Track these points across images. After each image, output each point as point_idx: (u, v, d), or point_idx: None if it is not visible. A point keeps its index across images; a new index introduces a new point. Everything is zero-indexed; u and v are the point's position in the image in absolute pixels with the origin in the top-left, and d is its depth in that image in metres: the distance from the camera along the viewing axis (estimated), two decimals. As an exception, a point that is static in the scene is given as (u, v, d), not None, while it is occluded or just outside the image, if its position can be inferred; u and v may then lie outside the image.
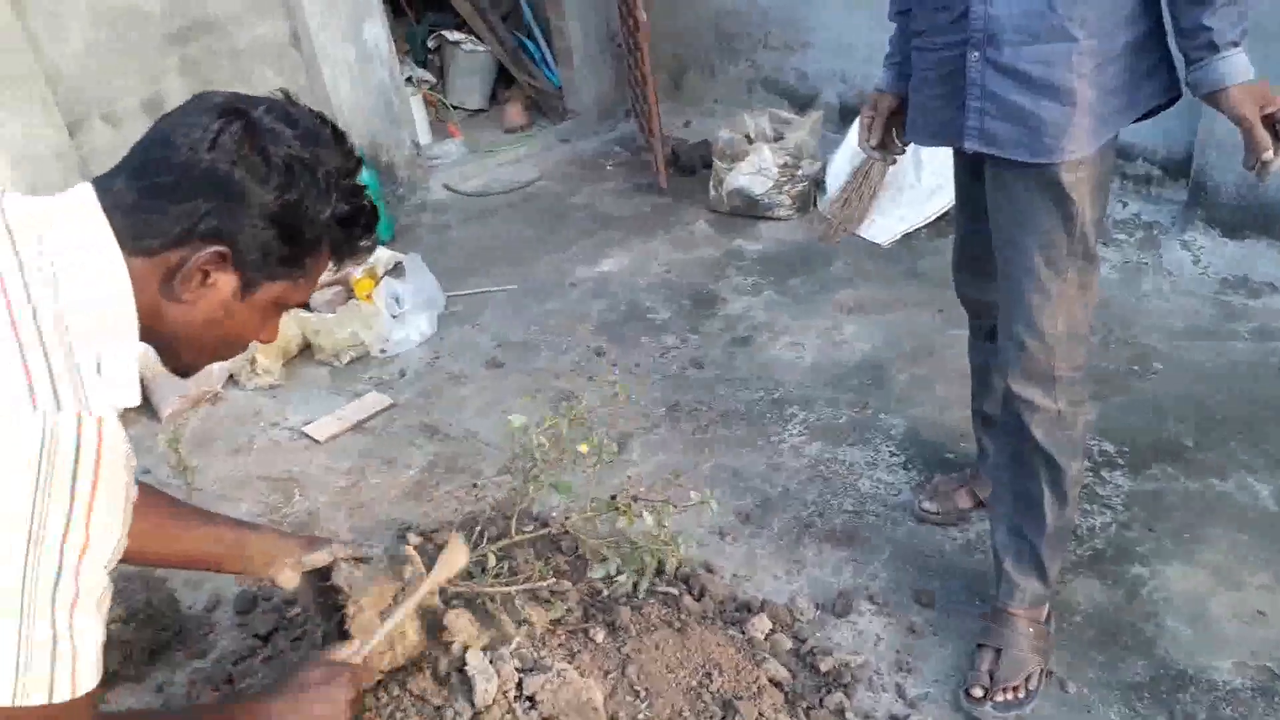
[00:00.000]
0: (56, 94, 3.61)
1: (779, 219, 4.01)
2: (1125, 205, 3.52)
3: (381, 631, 1.42)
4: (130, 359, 1.03)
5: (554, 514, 2.43)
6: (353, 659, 1.37)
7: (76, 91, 3.72)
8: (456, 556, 1.55)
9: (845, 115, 4.37)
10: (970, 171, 1.82)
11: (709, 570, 2.15)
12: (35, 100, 3.50)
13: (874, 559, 2.18)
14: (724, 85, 5.10)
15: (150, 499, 1.41)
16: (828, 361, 2.98)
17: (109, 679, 2.03)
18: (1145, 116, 1.63)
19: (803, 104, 4.63)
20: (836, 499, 2.37)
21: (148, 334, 1.06)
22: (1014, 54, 1.51)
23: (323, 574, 1.52)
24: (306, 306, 1.36)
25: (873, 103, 1.96)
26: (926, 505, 2.26)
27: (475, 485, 2.62)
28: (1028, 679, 1.82)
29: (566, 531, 2.32)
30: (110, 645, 1.98)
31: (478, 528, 2.38)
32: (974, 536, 2.22)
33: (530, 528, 2.38)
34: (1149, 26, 1.52)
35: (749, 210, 4.04)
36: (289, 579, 1.50)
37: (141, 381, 3.13)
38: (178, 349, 1.13)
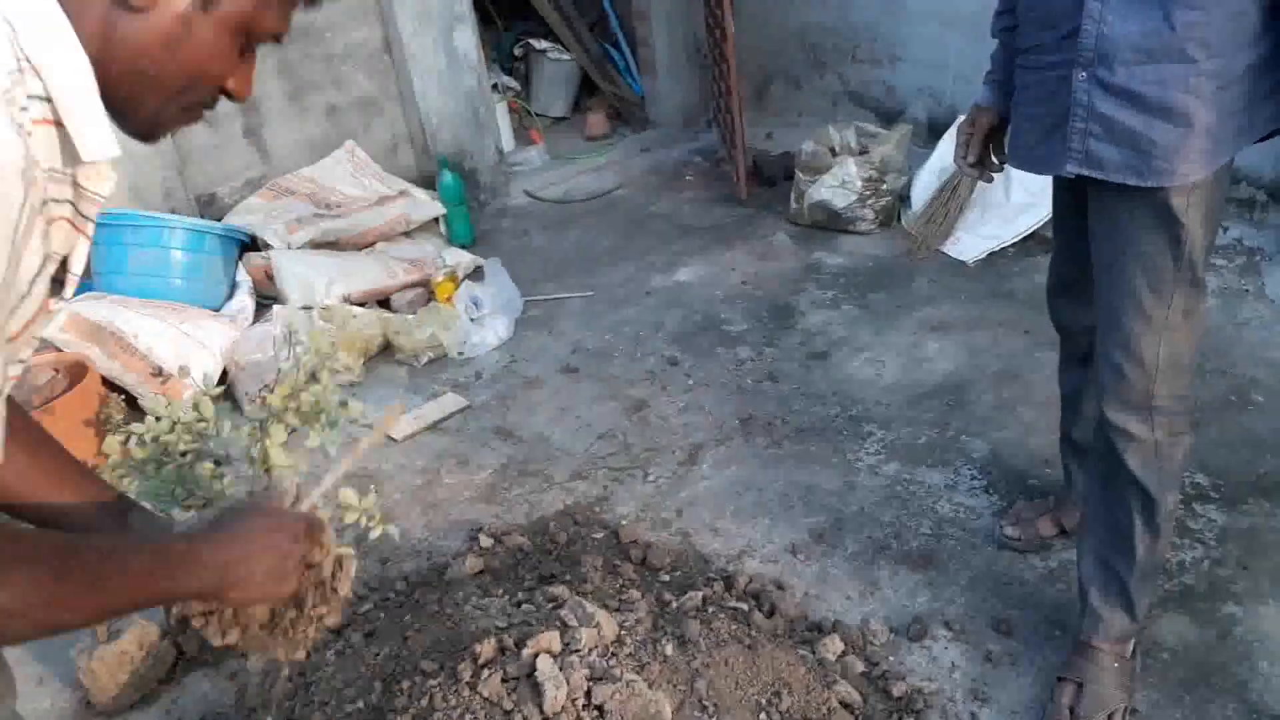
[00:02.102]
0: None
1: (861, 233, 3.95)
2: (1226, 230, 3.39)
3: (318, 491, 1.18)
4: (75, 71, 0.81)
5: (624, 522, 2.42)
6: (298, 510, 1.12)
7: (179, 92, 3.86)
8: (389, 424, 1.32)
9: (934, 131, 4.29)
10: (1071, 192, 1.76)
11: (780, 588, 2.12)
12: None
13: (951, 584, 2.12)
14: (809, 97, 5.06)
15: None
16: (908, 380, 2.91)
17: (186, 664, 2.09)
18: (1263, 139, 1.56)
19: (889, 118, 4.56)
20: (914, 521, 2.32)
21: (101, 78, 0.86)
22: (1127, 74, 1.45)
23: None
24: (278, 39, 0.90)
25: (972, 118, 1.91)
26: (1008, 531, 2.20)
27: (546, 489, 2.62)
28: (1110, 716, 1.75)
29: (635, 540, 2.32)
30: (191, 628, 2.03)
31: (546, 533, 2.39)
32: (1056, 565, 2.14)
33: (600, 535, 2.39)
34: (1271, 47, 1.45)
35: (830, 223, 4.00)
36: None
37: (225, 373, 3.17)
38: (134, 89, 0.91)
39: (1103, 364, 1.66)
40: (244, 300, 3.48)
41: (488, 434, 2.95)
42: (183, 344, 3.07)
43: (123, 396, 2.97)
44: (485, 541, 2.37)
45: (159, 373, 3.01)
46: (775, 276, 3.73)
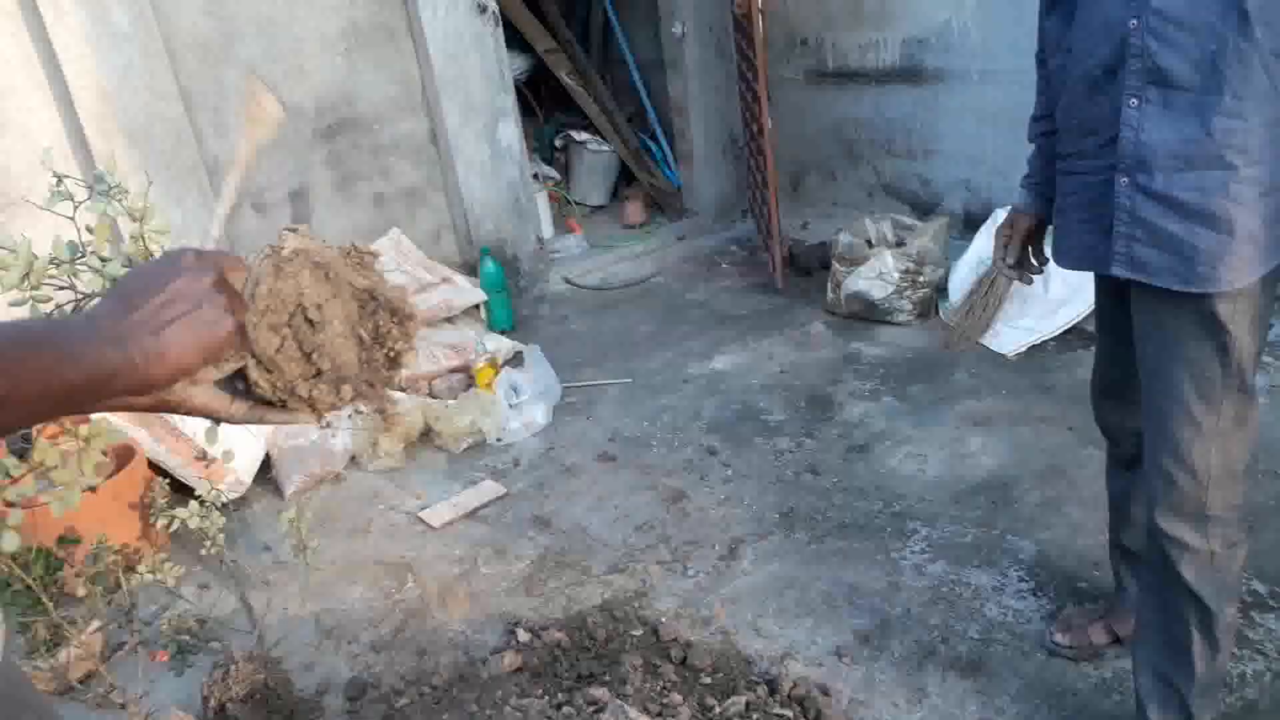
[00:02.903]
0: (213, 183, 3.87)
1: (899, 324, 3.96)
2: (1273, 326, 3.35)
3: (222, 210, 0.92)
4: None
5: (663, 619, 2.38)
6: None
7: (233, 182, 3.98)
8: (267, 105, 0.95)
9: (970, 223, 4.32)
10: (1113, 294, 1.76)
11: (825, 693, 2.06)
12: (194, 188, 3.76)
13: (1002, 692, 2.06)
14: (844, 189, 5.13)
15: None
16: (951, 476, 2.88)
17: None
18: None
19: (925, 210, 4.61)
20: (961, 624, 2.26)
21: None
22: (1167, 181, 1.47)
23: None
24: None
25: (1010, 222, 1.93)
26: (1059, 638, 2.14)
27: (584, 581, 2.60)
28: (1173, 841, 1.67)
29: (675, 639, 2.28)
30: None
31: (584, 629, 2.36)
32: (1111, 675, 2.07)
33: (639, 632, 2.36)
34: None
35: (867, 314, 4.01)
36: None
37: (267, 458, 3.22)
38: None
39: (1153, 472, 1.63)
40: (287, 385, 3.52)
41: (525, 523, 2.94)
42: (226, 428, 3.10)
43: (167, 480, 3.00)
44: (523, 636, 2.34)
45: (203, 456, 3.04)
46: (813, 366, 3.73)
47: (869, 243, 4.14)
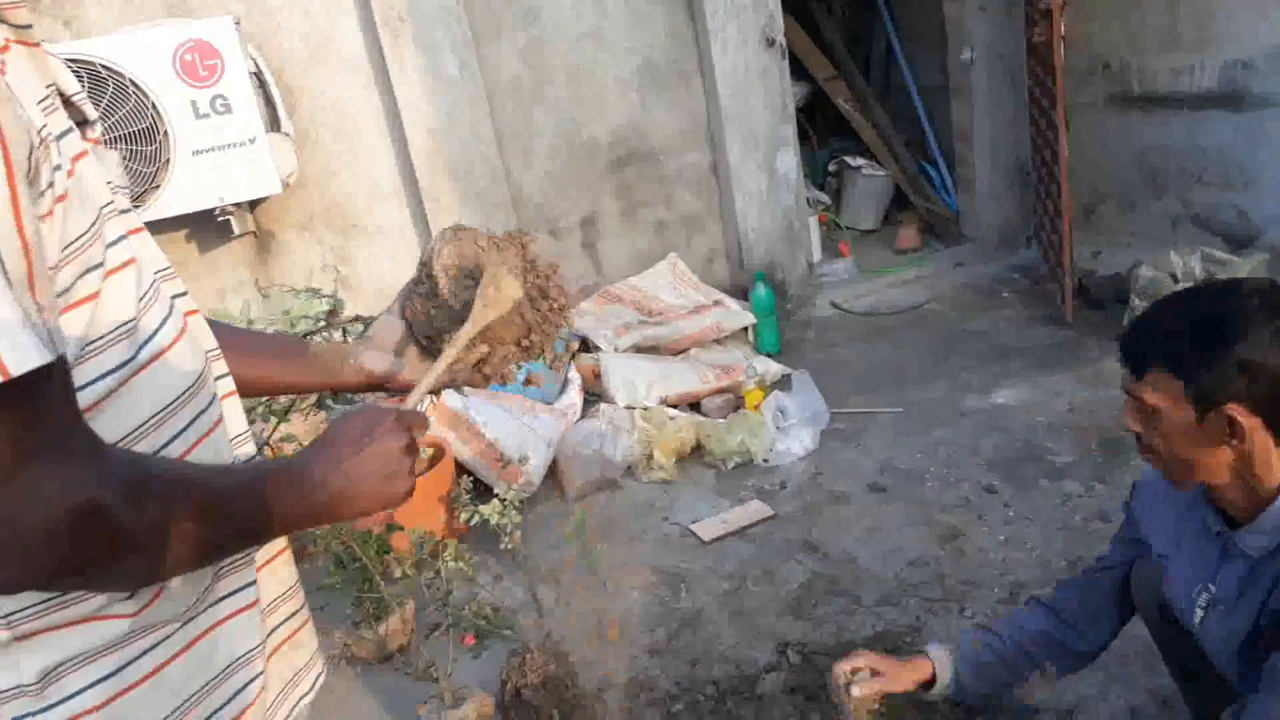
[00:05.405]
0: (517, 212, 4.23)
1: (1206, 367, 3.64)
2: None
3: (424, 386, 1.11)
4: None
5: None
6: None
7: (532, 209, 4.34)
8: (504, 289, 1.14)
9: (1295, 258, 3.91)
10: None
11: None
12: (502, 217, 4.13)
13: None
14: (1144, 219, 4.78)
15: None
16: (1268, 536, 2.61)
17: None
18: None
19: (1240, 244, 4.21)
20: None
21: None
22: None
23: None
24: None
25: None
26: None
27: (854, 611, 2.60)
28: None
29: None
30: (524, 708, 2.20)
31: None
32: None
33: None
34: None
35: (1169, 354, 3.71)
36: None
37: (555, 462, 3.45)
38: None
39: None
40: (574, 397, 3.78)
41: (793, 546, 2.98)
42: (522, 434, 3.39)
43: (470, 478, 3.31)
44: (794, 658, 2.39)
45: (501, 458, 3.33)
46: (1106, 406, 3.50)
47: (1174, 277, 3.84)
